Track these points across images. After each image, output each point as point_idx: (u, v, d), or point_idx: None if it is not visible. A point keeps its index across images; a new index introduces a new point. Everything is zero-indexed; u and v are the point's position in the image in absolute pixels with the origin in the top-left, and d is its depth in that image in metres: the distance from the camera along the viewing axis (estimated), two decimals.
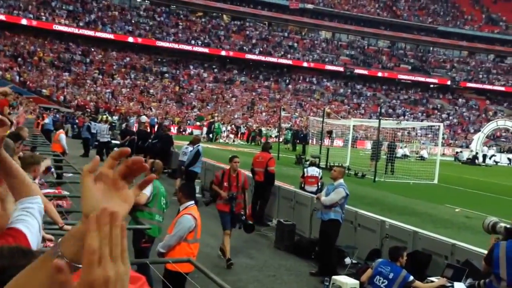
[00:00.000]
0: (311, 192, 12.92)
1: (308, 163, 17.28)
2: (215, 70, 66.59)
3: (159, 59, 64.20)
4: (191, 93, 60.23)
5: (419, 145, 42.88)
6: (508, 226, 5.64)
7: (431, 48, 79.56)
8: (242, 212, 9.76)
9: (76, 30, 59.10)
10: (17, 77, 49.29)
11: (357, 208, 10.81)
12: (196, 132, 43.32)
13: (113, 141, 25.45)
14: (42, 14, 58.63)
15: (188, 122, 51.35)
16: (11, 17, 55.64)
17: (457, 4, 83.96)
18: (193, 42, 65.39)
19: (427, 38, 77.49)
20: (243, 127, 50.40)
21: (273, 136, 45.06)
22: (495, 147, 56.22)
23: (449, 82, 74.10)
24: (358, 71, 71.23)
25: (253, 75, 68.30)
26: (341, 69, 71.16)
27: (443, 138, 38.86)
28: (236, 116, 55.74)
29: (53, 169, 11.72)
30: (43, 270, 1.03)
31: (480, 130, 52.04)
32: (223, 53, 66.27)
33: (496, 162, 47.39)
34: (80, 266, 0.97)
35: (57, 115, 39.90)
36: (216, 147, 34.83)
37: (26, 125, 14.58)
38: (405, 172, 24.33)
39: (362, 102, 69.12)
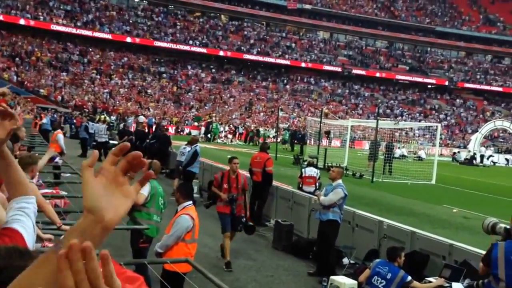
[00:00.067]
0: (309, 193, 12.92)
1: (306, 163, 17.28)
2: (213, 70, 66.56)
3: (157, 59, 64.16)
4: (189, 93, 60.21)
5: (417, 145, 42.99)
6: (507, 226, 5.64)
7: (428, 49, 79.64)
8: (242, 214, 9.74)
9: (74, 30, 59.04)
10: (15, 77, 49.23)
11: (355, 208, 10.81)
12: (194, 132, 43.31)
13: (111, 141, 25.45)
14: (40, 14, 58.56)
15: (186, 122, 51.35)
16: (9, 16, 55.57)
17: (454, 5, 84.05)
18: (191, 42, 65.37)
19: (425, 38, 77.57)
20: (241, 127, 50.40)
21: (271, 136, 45.05)
22: (493, 147, 56.28)
23: (446, 83, 74.18)
24: (356, 71, 71.25)
25: (251, 75, 68.29)
26: (339, 69, 71.18)
27: (440, 138, 38.90)
28: (234, 116, 55.73)
29: (57, 159, 11.72)
30: (47, 267, 1.02)
31: (477, 131, 52.04)
32: (221, 53, 66.27)
33: (494, 163, 47.42)
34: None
35: (55, 115, 39.82)
36: (214, 147, 34.80)
37: (24, 125, 14.56)
38: (403, 173, 24.32)
39: (360, 103, 69.14)
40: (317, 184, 13.84)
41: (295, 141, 39.57)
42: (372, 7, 78.97)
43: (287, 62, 69.53)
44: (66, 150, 17.30)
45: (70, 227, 1.12)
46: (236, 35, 70.14)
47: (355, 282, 7.42)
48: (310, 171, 14.25)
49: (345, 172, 18.40)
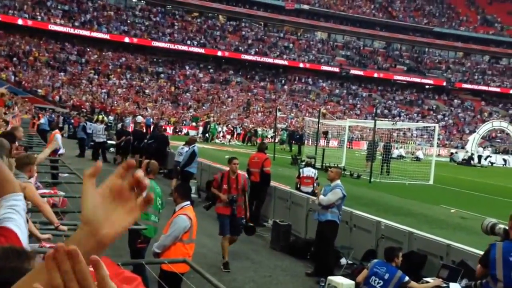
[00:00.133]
0: (307, 193, 12.92)
1: (303, 163, 17.29)
2: (211, 70, 66.55)
3: (154, 59, 64.12)
4: (187, 94, 60.18)
5: (414, 145, 42.93)
6: (507, 227, 5.64)
7: (426, 49, 79.72)
8: (242, 216, 9.70)
9: (71, 30, 58.96)
10: (13, 77, 49.16)
11: (353, 208, 10.81)
12: (192, 132, 43.31)
13: (109, 142, 25.44)
14: (38, 14, 58.48)
15: (184, 122, 51.32)
16: (7, 16, 55.48)
17: (452, 5, 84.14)
18: (188, 42, 65.34)
19: (423, 39, 77.63)
20: (239, 127, 50.39)
21: (269, 136, 45.05)
22: (490, 148, 56.35)
23: (444, 83, 74.27)
24: (353, 71, 71.28)
25: (249, 75, 68.29)
26: (336, 69, 71.20)
27: (438, 139, 38.88)
28: (232, 117, 55.72)
29: (60, 150, 11.68)
30: (43, 276, 1.01)
31: (475, 131, 52.16)
32: (219, 53, 66.26)
33: (492, 163, 47.48)
34: None
35: (53, 115, 39.80)
36: (212, 147, 34.79)
37: (22, 125, 14.55)
38: (400, 173, 24.35)
39: (357, 103, 69.18)
40: (314, 184, 13.85)
41: (293, 142, 39.57)
42: (370, 8, 79.03)
43: (285, 63, 69.55)
44: (64, 150, 17.27)
45: (67, 239, 1.11)
46: (234, 35, 70.13)
47: (353, 282, 7.42)
48: (308, 172, 14.25)
49: (342, 172, 18.42)
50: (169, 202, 9.27)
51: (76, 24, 60.22)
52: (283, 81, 69.33)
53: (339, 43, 76.68)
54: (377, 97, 71.24)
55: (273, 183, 13.74)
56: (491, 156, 49.44)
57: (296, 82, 69.99)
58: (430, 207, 16.55)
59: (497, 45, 78.31)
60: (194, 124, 49.50)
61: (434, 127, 29.17)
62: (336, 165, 14.38)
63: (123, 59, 61.71)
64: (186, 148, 15.92)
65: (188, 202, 7.00)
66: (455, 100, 74.97)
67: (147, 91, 57.54)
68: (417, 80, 73.96)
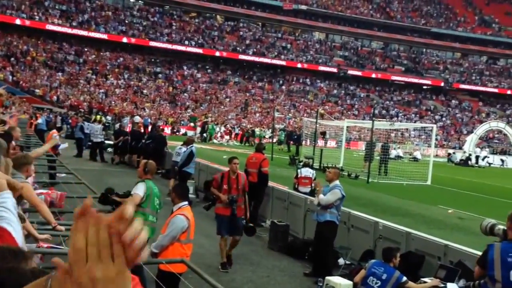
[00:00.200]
0: (305, 193, 12.92)
1: (301, 164, 17.29)
2: (209, 70, 66.54)
3: (152, 60, 64.08)
4: (185, 94, 60.17)
5: (412, 146, 43.04)
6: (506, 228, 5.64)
7: (424, 50, 79.82)
8: (242, 216, 9.65)
9: (69, 30, 58.91)
10: (10, 77, 49.11)
11: (351, 209, 10.82)
12: (190, 133, 43.28)
13: (107, 142, 25.44)
14: (35, 13, 58.41)
15: (182, 122, 51.28)
16: (4, 16, 55.39)
17: (450, 6, 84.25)
18: (186, 42, 65.32)
19: (420, 39, 77.72)
20: (237, 127, 50.39)
21: (266, 137, 45.07)
22: (488, 148, 56.48)
23: (442, 84, 74.37)
24: (351, 72, 71.31)
25: (246, 75, 68.28)
26: (334, 70, 71.23)
27: (436, 139, 39.00)
28: (229, 117, 55.71)
29: (60, 146, 11.64)
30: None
31: (473, 132, 52.22)
32: (217, 53, 66.25)
33: (489, 164, 47.57)
34: None
35: (50, 115, 39.76)
36: (210, 147, 34.79)
37: (19, 125, 14.51)
38: (398, 173, 24.38)
39: (355, 103, 69.24)
40: (312, 184, 13.84)
41: (291, 142, 39.61)
42: (367, 8, 79.08)
43: (283, 63, 69.57)
44: (61, 150, 17.26)
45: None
46: (231, 36, 70.12)
47: (351, 282, 7.41)
48: (306, 172, 14.26)
49: (341, 173, 18.42)
50: (167, 202, 9.26)
51: (74, 24, 60.16)
52: (281, 82, 69.35)
53: (337, 44, 76.72)
54: (375, 98, 71.27)
55: (271, 184, 13.73)
56: (488, 157, 49.54)
57: (294, 82, 69.99)
58: (428, 208, 16.57)
59: (495, 45, 78.45)
60: (192, 124, 49.46)
61: (432, 127, 29.22)
62: (334, 166, 14.37)
63: (121, 59, 61.67)
64: (184, 148, 15.91)
65: (186, 202, 6.98)
66: (453, 101, 75.06)
67: (145, 91, 57.51)
68: (415, 80, 74.04)
